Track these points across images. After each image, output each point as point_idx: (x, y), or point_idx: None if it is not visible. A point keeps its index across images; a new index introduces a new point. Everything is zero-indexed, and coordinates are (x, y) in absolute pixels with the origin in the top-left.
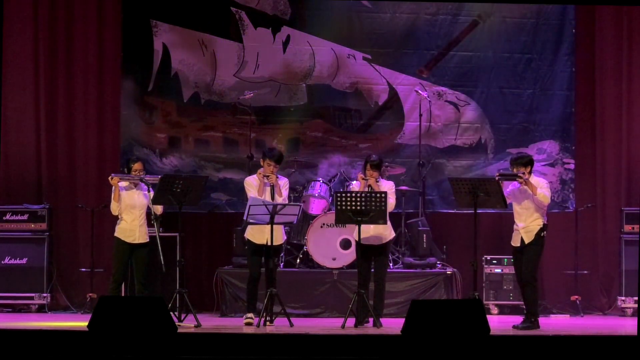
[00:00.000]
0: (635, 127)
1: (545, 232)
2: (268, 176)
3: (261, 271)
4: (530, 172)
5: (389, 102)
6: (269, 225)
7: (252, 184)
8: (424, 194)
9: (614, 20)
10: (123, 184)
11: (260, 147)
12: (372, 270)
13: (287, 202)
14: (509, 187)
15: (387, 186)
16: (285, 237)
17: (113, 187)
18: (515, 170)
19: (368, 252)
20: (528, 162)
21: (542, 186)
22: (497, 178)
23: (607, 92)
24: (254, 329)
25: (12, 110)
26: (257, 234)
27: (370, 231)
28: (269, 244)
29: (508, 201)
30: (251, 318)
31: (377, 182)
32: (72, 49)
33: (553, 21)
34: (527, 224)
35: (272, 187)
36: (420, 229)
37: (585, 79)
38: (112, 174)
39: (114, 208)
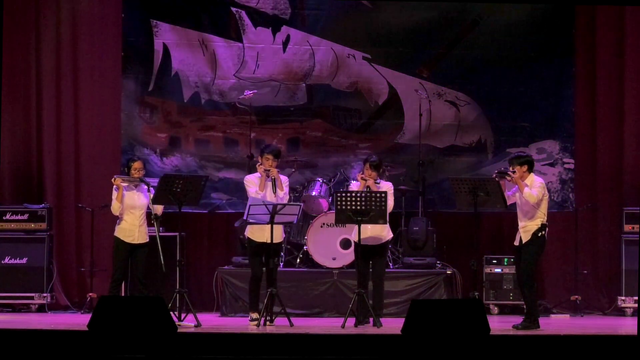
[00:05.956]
0: (635, 126)
1: (543, 232)
2: (269, 170)
3: (263, 270)
4: (527, 172)
5: (389, 102)
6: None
7: (252, 181)
8: (424, 193)
9: (614, 20)
10: (123, 184)
11: (260, 147)
12: (371, 270)
13: (287, 197)
14: (513, 188)
15: (386, 187)
16: (284, 236)
17: (115, 187)
18: (511, 168)
19: (366, 253)
20: (524, 162)
21: (534, 185)
22: (494, 176)
23: (607, 91)
24: (254, 328)
25: (13, 110)
26: (257, 232)
27: (368, 232)
28: (269, 241)
29: (511, 201)
30: (257, 318)
31: (376, 182)
32: (73, 49)
33: (553, 21)
34: (526, 223)
35: (274, 182)
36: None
37: (585, 79)
38: (115, 176)
39: (116, 208)
